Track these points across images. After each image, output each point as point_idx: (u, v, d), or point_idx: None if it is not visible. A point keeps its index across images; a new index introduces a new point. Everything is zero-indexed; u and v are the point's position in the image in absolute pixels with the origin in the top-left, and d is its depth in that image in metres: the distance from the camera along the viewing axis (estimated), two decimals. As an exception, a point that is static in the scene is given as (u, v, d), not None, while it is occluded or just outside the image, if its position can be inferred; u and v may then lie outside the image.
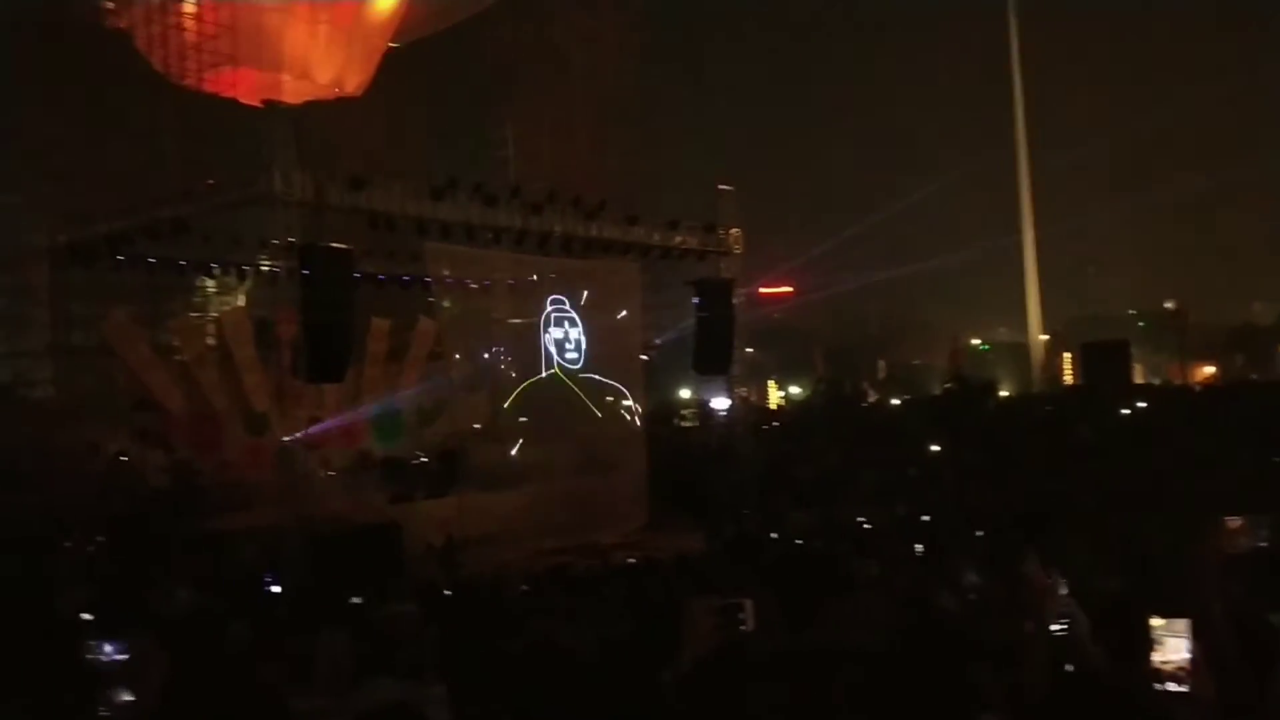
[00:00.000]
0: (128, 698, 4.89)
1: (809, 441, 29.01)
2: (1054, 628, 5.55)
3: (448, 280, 26.84)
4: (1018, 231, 68.89)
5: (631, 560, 14.84)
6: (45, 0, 33.72)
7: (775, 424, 38.57)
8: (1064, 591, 6.07)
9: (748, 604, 5.33)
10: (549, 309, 25.74)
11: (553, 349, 25.73)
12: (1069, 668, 4.95)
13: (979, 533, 11.95)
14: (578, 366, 25.93)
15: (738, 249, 27.09)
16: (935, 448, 25.69)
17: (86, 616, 9.49)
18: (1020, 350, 69.15)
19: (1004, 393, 46.99)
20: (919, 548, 11.34)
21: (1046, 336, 68.76)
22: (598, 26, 46.30)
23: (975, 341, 77.04)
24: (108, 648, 5.27)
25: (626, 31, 47.83)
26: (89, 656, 5.19)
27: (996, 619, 5.86)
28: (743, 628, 5.21)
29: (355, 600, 10.15)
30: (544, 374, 25.86)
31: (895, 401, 48.56)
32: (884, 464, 23.23)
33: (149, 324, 29.26)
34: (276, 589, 12.64)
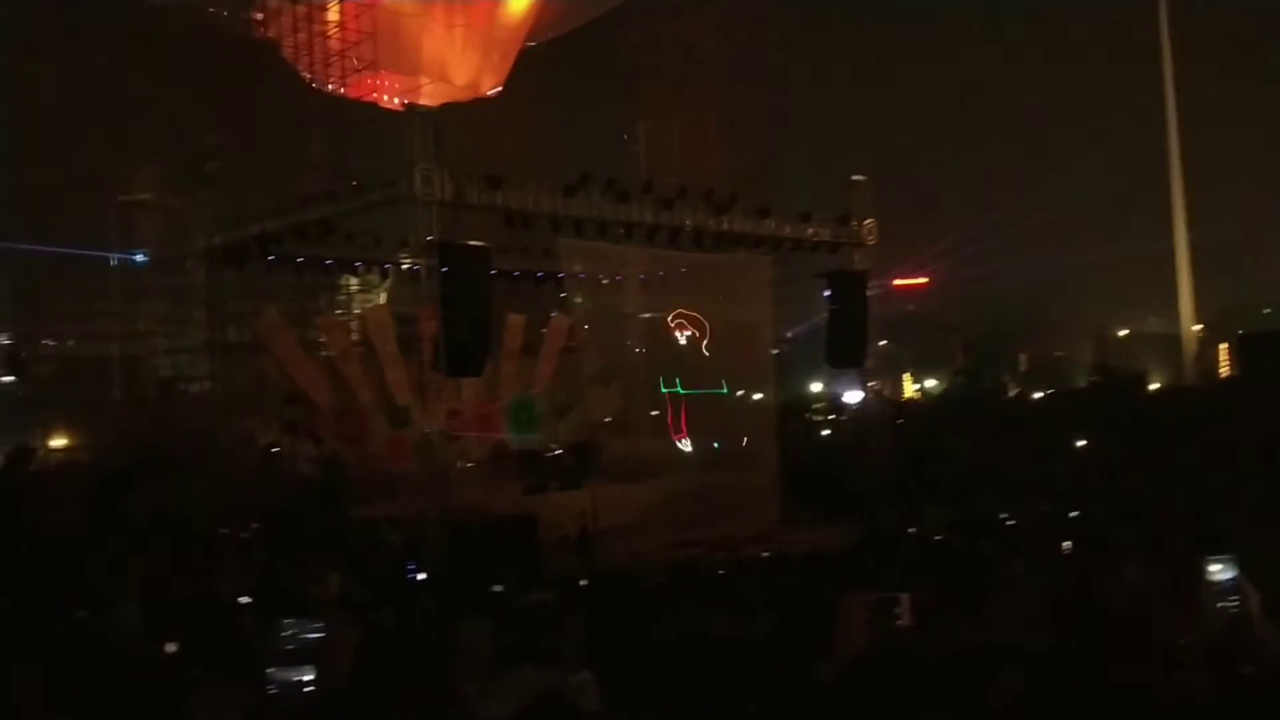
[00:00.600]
0: (309, 677, 5.06)
1: (947, 435, 28.28)
2: (1222, 605, 5.25)
3: (580, 276, 27.13)
4: (1168, 218, 65.69)
5: (765, 554, 14.74)
6: (200, 15, 35.39)
7: (911, 418, 37.77)
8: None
9: (904, 599, 5.21)
10: (678, 307, 25.72)
11: (683, 343, 25.74)
12: (1242, 663, 4.67)
13: (1136, 528, 11.45)
14: (707, 362, 25.88)
15: (871, 240, 26.57)
16: (1081, 442, 24.75)
17: (244, 600, 9.95)
18: (1171, 341, 65.95)
19: (1154, 385, 44.95)
20: (1066, 545, 10.94)
21: (1199, 327, 65.40)
22: (729, 18, 46.07)
23: (1122, 332, 73.83)
24: (303, 628, 5.44)
25: (757, 22, 47.47)
26: (284, 635, 5.38)
27: (1165, 616, 5.57)
28: (899, 623, 5.10)
29: (495, 589, 10.36)
30: (675, 368, 25.90)
31: (1037, 395, 46.97)
32: (1026, 458, 22.49)
33: (297, 321, 30.57)
34: (420, 576, 12.97)
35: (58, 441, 39.94)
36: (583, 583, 11.38)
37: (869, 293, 26.52)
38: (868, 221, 26.52)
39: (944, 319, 71.50)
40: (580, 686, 4.31)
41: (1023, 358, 69.89)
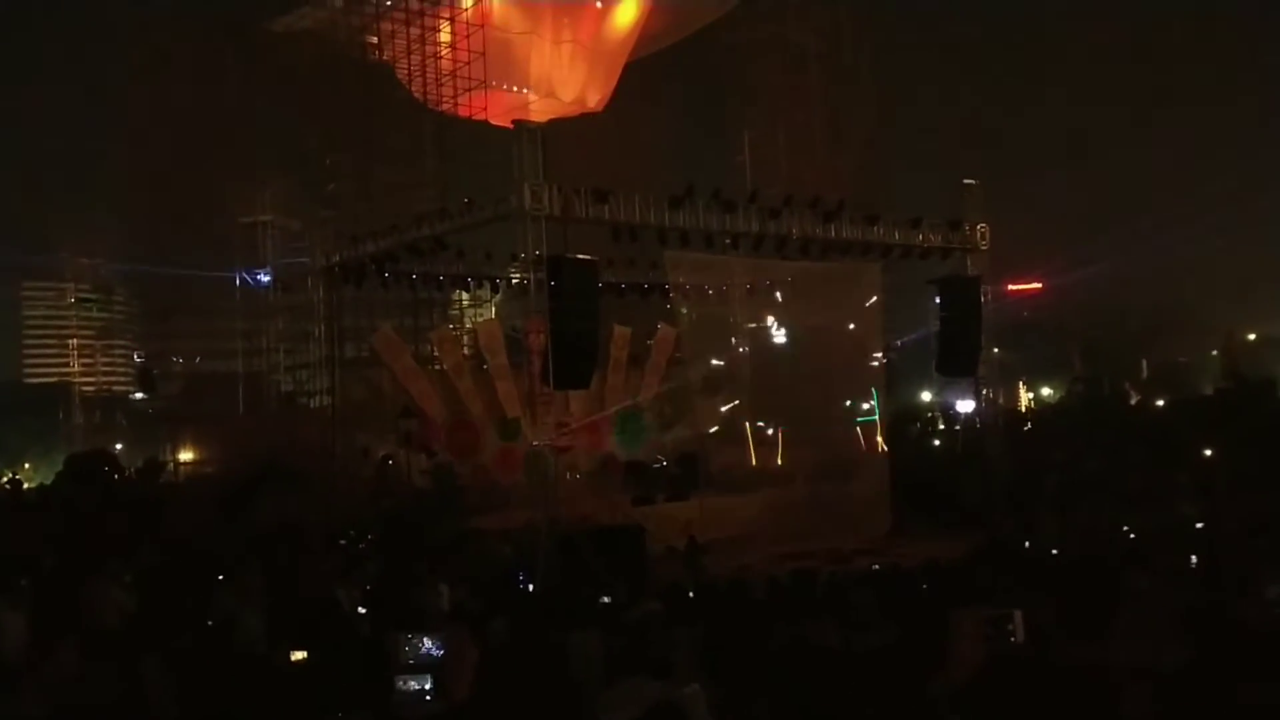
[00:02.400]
0: (429, 686, 5.17)
1: (1065, 445, 27.41)
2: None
3: (686, 287, 27.18)
4: (1301, 215, 62.59)
5: (876, 566, 14.48)
6: (319, 39, 36.55)
7: (1026, 427, 36.74)
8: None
9: (1017, 615, 5.07)
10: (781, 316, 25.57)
11: (789, 352, 25.56)
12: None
13: (1268, 541, 10.92)
14: (814, 372, 25.62)
15: (984, 245, 25.99)
16: (1207, 452, 23.73)
17: (361, 610, 10.20)
18: (1305, 345, 62.79)
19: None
20: (1194, 559, 10.50)
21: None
22: (834, 23, 45.61)
23: (1250, 336, 70.56)
24: (426, 641, 5.56)
25: (863, 26, 46.92)
26: (405, 648, 5.50)
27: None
28: (1013, 639, 4.96)
29: (604, 600, 10.41)
30: (781, 379, 25.73)
31: (1160, 402, 45.21)
32: (1150, 469, 21.66)
33: (411, 336, 31.29)
34: (530, 587, 13.12)
35: (186, 455, 41.65)
36: (691, 594, 11.35)
37: (982, 299, 25.94)
38: (980, 226, 25.95)
39: (1060, 325, 69.37)
40: (692, 698, 4.31)
41: (1144, 364, 67.31)
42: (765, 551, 19.00)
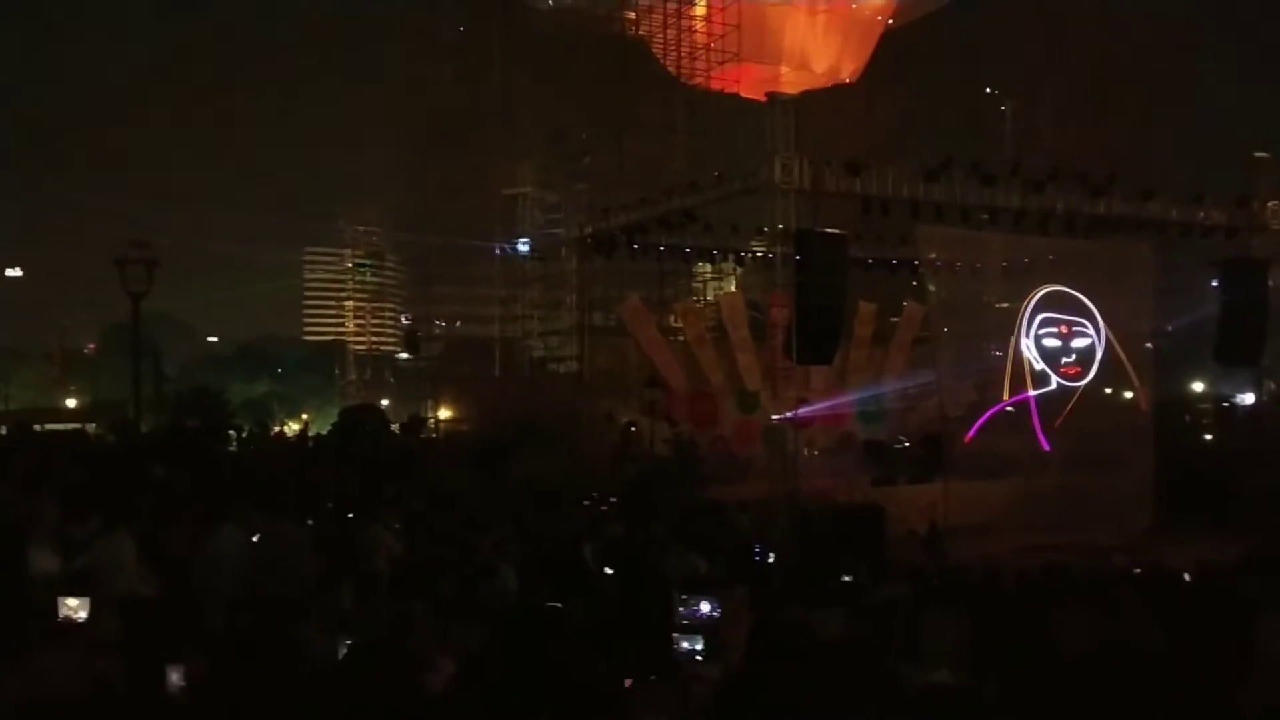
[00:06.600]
0: (701, 648, 5.31)
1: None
2: None
3: (937, 263, 26.31)
4: None
5: (1138, 569, 13.62)
6: (578, 16, 37.69)
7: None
8: None
9: None
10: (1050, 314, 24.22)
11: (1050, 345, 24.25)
12: None
13: None
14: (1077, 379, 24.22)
15: (1276, 224, 23.78)
16: None
17: (608, 570, 10.56)
18: None
19: None
20: None
21: None
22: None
23: None
24: (704, 604, 5.70)
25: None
26: (680, 609, 5.66)
27: None
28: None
29: (846, 579, 10.30)
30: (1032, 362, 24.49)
31: None
32: None
33: (656, 307, 31.94)
34: (769, 559, 13.15)
35: (445, 413, 44.33)
36: (934, 580, 11.07)
37: (1270, 282, 23.78)
38: (1272, 203, 23.76)
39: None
40: (943, 685, 4.22)
41: None
42: (1013, 541, 18.24)
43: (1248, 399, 28.95)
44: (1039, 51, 43.54)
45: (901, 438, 28.50)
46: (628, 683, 4.14)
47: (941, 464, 23.92)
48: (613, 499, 19.73)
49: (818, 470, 23.56)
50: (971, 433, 23.12)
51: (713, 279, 45.03)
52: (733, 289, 39.45)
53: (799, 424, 22.36)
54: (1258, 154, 24.40)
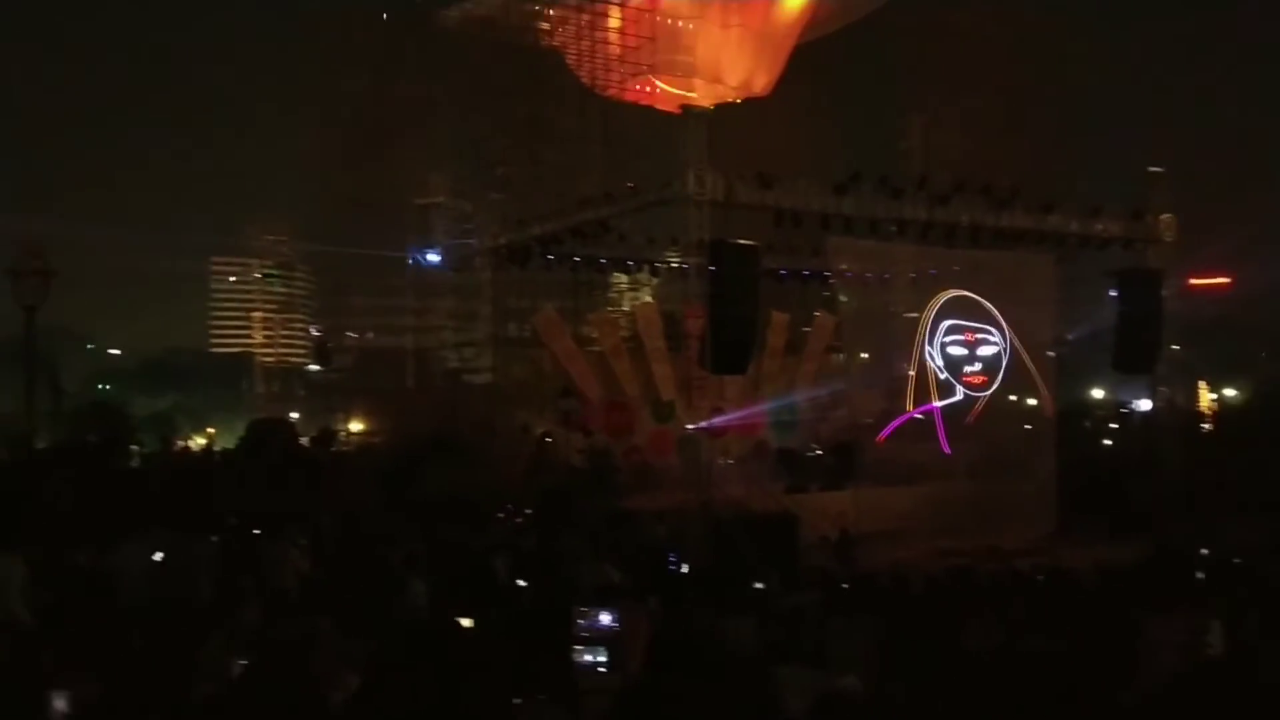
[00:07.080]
0: (603, 660, 5.26)
1: (1252, 448, 25.79)
2: None
3: (847, 274, 26.72)
4: None
5: (1040, 573, 13.96)
6: (491, 26, 37.52)
7: (1207, 428, 34.72)
8: None
9: (1215, 626, 4.80)
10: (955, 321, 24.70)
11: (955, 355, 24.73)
12: None
13: None
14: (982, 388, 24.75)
15: (1169, 237, 24.66)
16: None
17: (521, 583, 10.46)
18: None
19: None
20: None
21: None
22: (1012, 5, 43.99)
23: None
24: (604, 616, 5.66)
25: (1043, 9, 45.11)
26: (581, 621, 5.62)
27: None
28: (1210, 651, 4.70)
29: (757, 586, 10.38)
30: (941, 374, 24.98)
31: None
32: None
33: (571, 317, 31.85)
34: (683, 568, 13.18)
35: (356, 425, 43.64)
36: (844, 585, 11.22)
37: (1163, 293, 24.65)
38: (1165, 216, 24.64)
39: (1249, 321, 65.12)
40: (852, 691, 4.26)
41: (1344, 367, 62.55)
42: (920, 546, 18.57)
43: (1144, 405, 29.90)
44: (948, 68, 44.64)
45: (814, 446, 28.81)
46: (516, 701, 4.09)
47: (853, 471, 24.28)
48: (528, 511, 19.60)
49: (732, 479, 23.68)
50: (882, 436, 23.50)
51: (628, 289, 45.13)
52: (648, 299, 39.59)
53: (714, 433, 22.46)
54: (1152, 169, 25.23)
